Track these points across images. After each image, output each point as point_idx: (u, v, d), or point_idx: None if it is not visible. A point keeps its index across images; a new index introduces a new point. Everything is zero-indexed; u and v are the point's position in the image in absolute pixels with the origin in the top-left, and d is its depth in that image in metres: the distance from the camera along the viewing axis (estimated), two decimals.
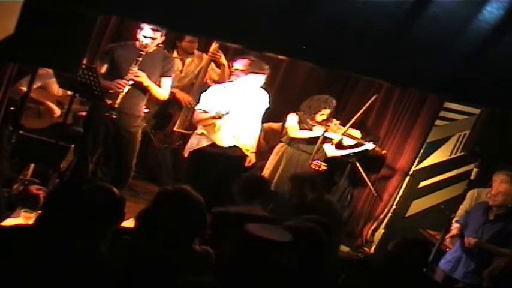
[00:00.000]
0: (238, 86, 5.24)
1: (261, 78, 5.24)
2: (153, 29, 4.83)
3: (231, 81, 5.32)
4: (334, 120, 5.77)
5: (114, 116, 4.82)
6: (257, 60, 5.24)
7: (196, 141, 5.25)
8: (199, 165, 5.23)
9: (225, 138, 5.20)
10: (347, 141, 5.84)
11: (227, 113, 5.14)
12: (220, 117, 5.14)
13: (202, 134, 5.23)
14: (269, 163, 5.86)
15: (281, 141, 5.90)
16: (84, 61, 4.16)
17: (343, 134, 5.75)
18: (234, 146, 5.26)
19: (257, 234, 2.36)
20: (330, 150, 5.86)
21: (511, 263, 3.51)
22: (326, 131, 5.62)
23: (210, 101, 5.19)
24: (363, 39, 2.89)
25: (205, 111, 5.18)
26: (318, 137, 5.67)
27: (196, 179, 4.76)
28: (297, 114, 5.80)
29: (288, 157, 5.77)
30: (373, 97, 5.76)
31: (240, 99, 5.22)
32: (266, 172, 5.81)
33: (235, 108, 5.18)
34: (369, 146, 5.87)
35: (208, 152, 5.19)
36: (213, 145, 5.20)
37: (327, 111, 5.73)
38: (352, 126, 5.85)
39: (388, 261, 3.17)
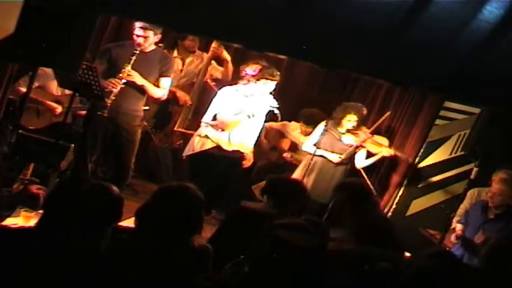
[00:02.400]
0: (249, 91, 5.28)
1: (272, 85, 5.27)
2: (142, 28, 4.82)
3: (243, 85, 5.33)
4: (364, 128, 5.75)
5: (106, 115, 4.81)
6: (268, 66, 5.27)
7: (200, 144, 5.25)
8: (201, 166, 5.24)
9: (231, 142, 5.23)
10: (373, 149, 5.78)
11: (253, 116, 5.24)
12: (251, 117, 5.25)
13: (206, 136, 5.23)
14: (298, 173, 5.78)
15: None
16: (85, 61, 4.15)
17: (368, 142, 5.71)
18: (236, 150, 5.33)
19: (285, 238, 2.43)
20: (360, 162, 5.81)
21: (501, 240, 3.56)
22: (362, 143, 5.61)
23: (228, 105, 5.24)
24: (363, 39, 2.89)
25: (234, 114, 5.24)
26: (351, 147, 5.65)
27: (199, 179, 4.77)
28: (326, 122, 5.73)
29: (319, 167, 5.74)
30: (387, 113, 5.77)
31: (250, 104, 5.26)
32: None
33: (245, 113, 5.24)
34: (386, 152, 5.80)
35: (212, 154, 5.21)
36: (217, 147, 5.21)
37: (353, 118, 5.65)
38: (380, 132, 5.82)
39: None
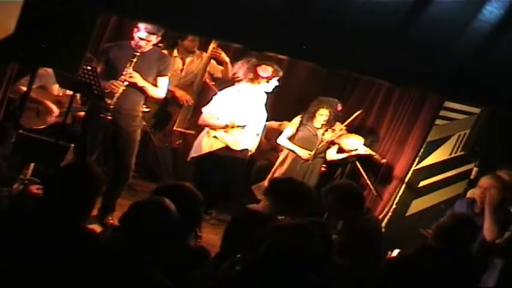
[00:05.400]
0: (252, 91, 5.30)
1: (275, 82, 5.34)
2: (148, 32, 4.81)
3: (245, 85, 5.34)
4: (338, 123, 5.76)
5: (109, 117, 4.81)
6: (273, 63, 5.31)
7: (208, 145, 5.26)
8: (208, 167, 5.26)
9: (239, 142, 5.25)
10: (347, 146, 5.82)
11: (244, 126, 5.24)
12: (232, 127, 5.22)
13: (214, 137, 5.24)
14: (276, 164, 5.87)
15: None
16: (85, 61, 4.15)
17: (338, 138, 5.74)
18: (245, 149, 5.34)
19: (282, 240, 2.45)
20: (331, 154, 5.85)
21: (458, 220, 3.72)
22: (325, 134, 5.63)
23: (223, 106, 5.23)
24: (363, 39, 2.89)
25: (217, 117, 5.23)
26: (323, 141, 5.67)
27: (206, 180, 4.79)
28: (301, 117, 5.80)
29: (290, 160, 5.78)
30: (358, 112, 5.79)
31: (255, 104, 5.28)
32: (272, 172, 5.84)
33: (251, 114, 5.26)
34: (361, 150, 5.82)
35: (217, 155, 5.23)
36: (226, 148, 5.23)
37: (325, 112, 5.70)
38: (354, 128, 5.82)
39: None
